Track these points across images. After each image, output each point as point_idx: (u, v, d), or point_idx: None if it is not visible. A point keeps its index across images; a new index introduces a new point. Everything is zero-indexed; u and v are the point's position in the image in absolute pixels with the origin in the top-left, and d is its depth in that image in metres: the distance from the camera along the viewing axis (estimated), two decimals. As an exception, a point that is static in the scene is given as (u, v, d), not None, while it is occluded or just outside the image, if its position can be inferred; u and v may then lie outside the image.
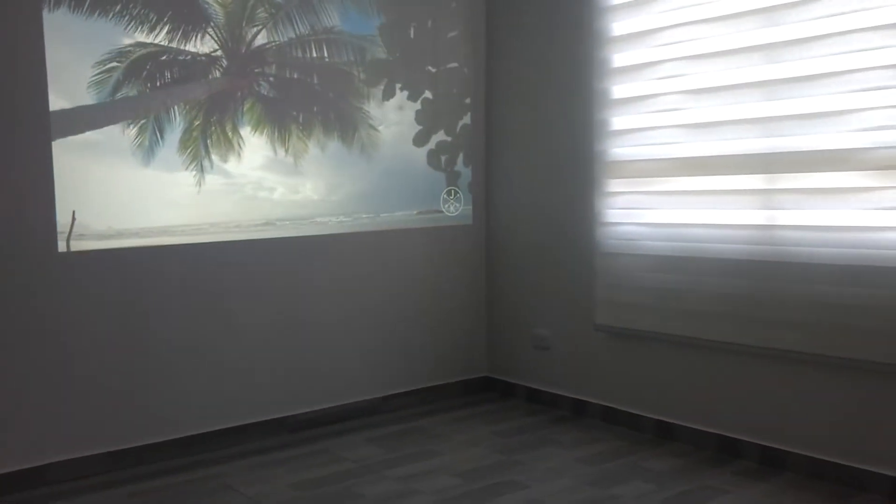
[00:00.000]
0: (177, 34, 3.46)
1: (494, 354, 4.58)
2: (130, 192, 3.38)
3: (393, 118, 4.17)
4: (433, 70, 4.30)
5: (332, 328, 4.01)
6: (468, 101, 4.44)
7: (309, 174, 3.90)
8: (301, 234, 3.89)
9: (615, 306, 3.86)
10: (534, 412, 4.17)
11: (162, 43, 3.43)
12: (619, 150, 3.79)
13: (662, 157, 3.60)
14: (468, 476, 3.28)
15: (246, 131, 3.69)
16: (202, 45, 3.54)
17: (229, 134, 3.65)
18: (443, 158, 4.37)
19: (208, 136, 3.58)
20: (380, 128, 4.12)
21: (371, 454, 3.56)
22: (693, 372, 3.59)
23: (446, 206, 4.41)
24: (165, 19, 3.44)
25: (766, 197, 3.26)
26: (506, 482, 3.21)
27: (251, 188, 3.73)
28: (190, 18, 3.50)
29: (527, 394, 4.38)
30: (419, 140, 4.28)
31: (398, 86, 4.17)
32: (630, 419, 3.86)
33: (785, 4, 3.15)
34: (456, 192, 4.44)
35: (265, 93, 3.76)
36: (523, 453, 3.55)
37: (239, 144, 3.67)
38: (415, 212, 4.29)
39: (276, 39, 3.77)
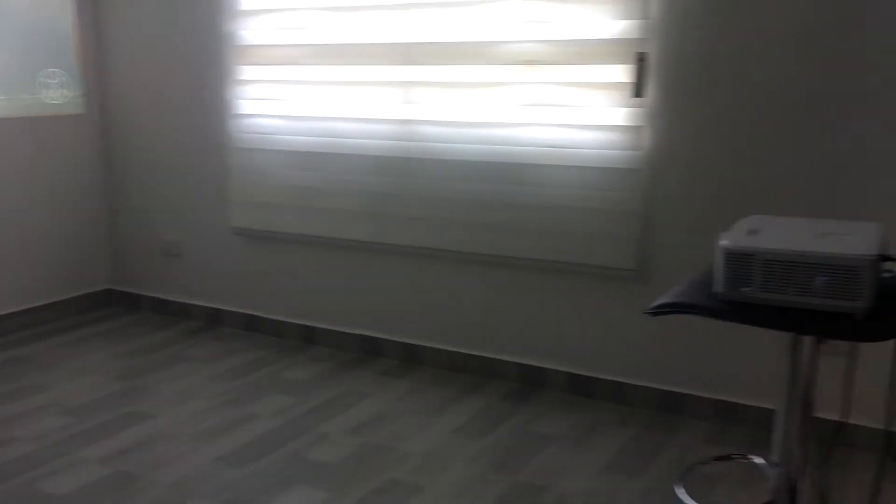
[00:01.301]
0: None
1: (118, 264, 4.03)
2: None
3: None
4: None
5: None
6: (68, -38, 3.68)
7: None
8: None
9: (253, 207, 3.53)
10: (164, 326, 3.75)
11: None
12: (250, 33, 3.38)
13: (299, 42, 3.28)
14: (80, 412, 2.81)
15: None
16: None
17: None
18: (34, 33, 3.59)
19: None
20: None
21: (-46, 396, 2.91)
22: (335, 273, 3.44)
23: (47, 91, 3.66)
24: None
25: (405, 90, 3.11)
26: (126, 414, 2.81)
27: None
28: None
29: (155, 305, 3.93)
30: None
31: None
32: (273, 326, 3.63)
33: None
34: (61, 75, 3.71)
35: None
36: (149, 376, 3.15)
37: None
38: (2, 97, 3.50)
39: None
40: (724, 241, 1.50)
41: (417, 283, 3.26)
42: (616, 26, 2.70)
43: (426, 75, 3.05)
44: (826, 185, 2.49)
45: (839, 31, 2.41)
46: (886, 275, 1.54)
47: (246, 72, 3.43)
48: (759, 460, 1.92)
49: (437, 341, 3.26)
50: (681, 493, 1.79)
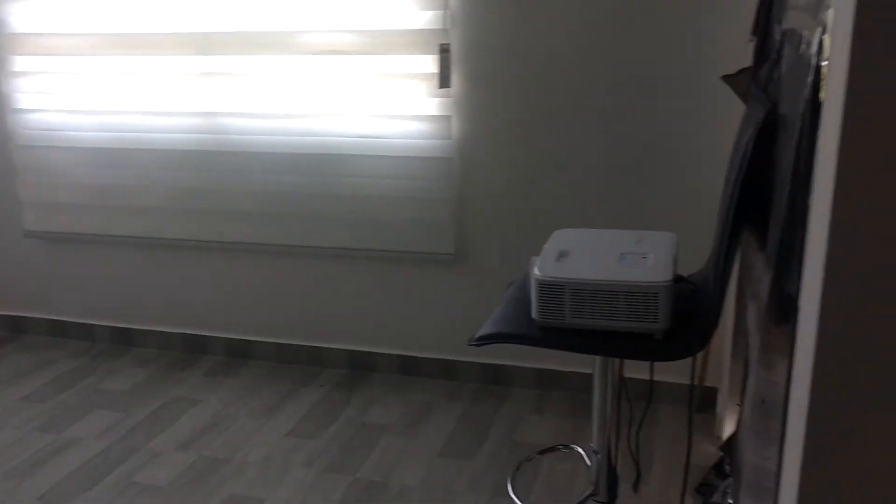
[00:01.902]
0: None
1: None
2: None
3: None
4: None
5: None
6: None
7: None
8: None
9: (48, 208, 3.27)
10: (-40, 343, 3.44)
11: None
12: (22, 20, 3.07)
13: (82, 31, 3.02)
14: None
15: None
16: None
17: None
18: None
19: None
20: None
21: None
22: (150, 273, 3.28)
23: None
24: None
25: (206, 81, 2.96)
26: (-71, 457, 2.59)
27: None
28: None
29: (-53, 320, 3.59)
30: None
31: None
32: (83, 330, 3.43)
33: None
34: None
35: None
36: (-50, 407, 2.90)
37: None
38: None
39: None
40: (537, 272, 1.58)
41: (239, 279, 3.18)
42: (421, 17, 2.69)
43: (228, 66, 2.92)
44: (628, 166, 2.66)
45: (637, 18, 2.55)
46: (684, 285, 1.69)
47: (22, 62, 3.12)
48: (580, 450, 2.08)
49: (265, 335, 3.22)
50: (511, 494, 1.92)
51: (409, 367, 3.07)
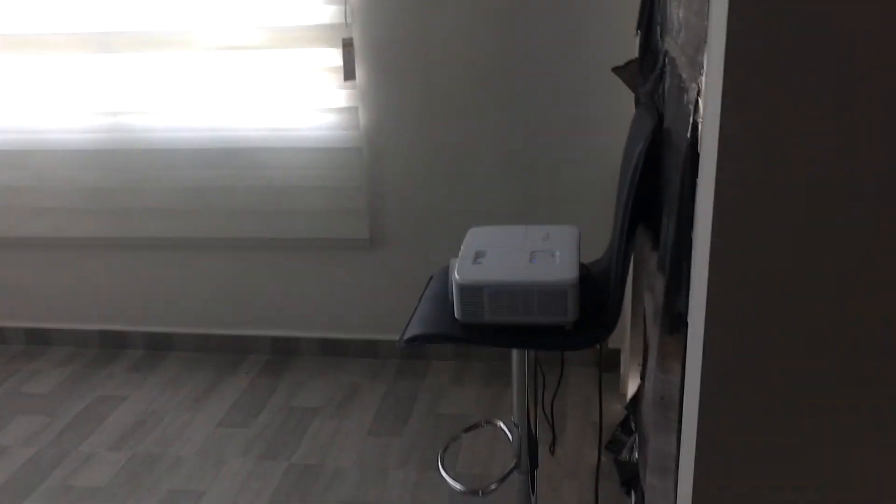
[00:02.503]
0: None
1: None
2: None
3: None
4: None
5: None
6: None
7: None
8: None
9: (-54, 214, 3.19)
10: None
11: None
12: None
13: (-31, 30, 2.92)
14: None
15: None
16: None
17: None
18: None
19: None
20: None
21: None
22: (63, 272, 3.26)
23: None
24: None
25: (108, 80, 2.93)
26: None
27: None
28: None
29: None
30: None
31: None
32: (-5, 334, 3.39)
33: None
34: None
35: None
36: None
37: None
38: None
39: None
40: (457, 276, 1.72)
41: (154, 273, 3.20)
42: (324, 12, 2.75)
43: (130, 64, 2.90)
44: (527, 156, 2.82)
45: (532, 12, 2.67)
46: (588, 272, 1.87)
47: None
48: (502, 425, 2.26)
49: (185, 326, 3.27)
50: (442, 471, 2.08)
51: (333, 349, 3.19)
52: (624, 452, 2.43)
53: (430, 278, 2.08)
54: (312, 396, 2.94)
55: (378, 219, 2.99)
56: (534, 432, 2.05)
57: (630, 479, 2.31)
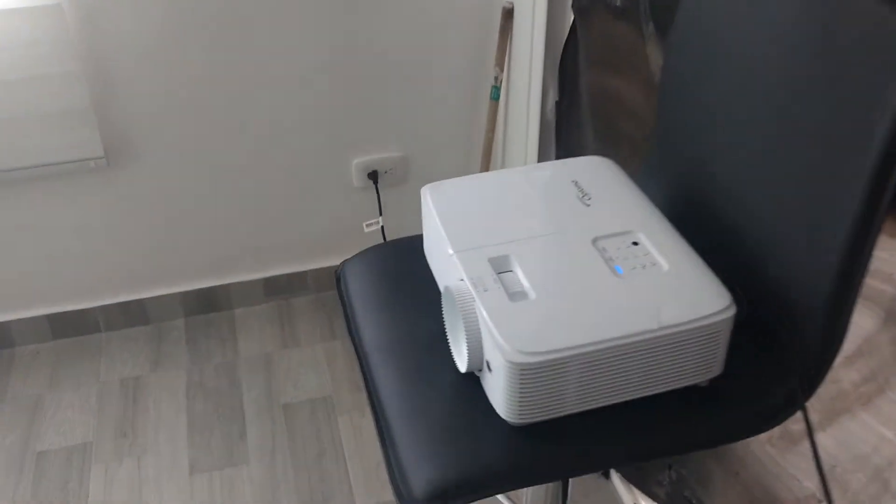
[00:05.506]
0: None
1: None
2: None
3: None
4: None
5: None
6: None
7: None
8: None
9: None
10: None
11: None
12: None
13: None
14: None
15: None
16: None
17: None
18: None
19: None
20: None
21: None
22: None
23: None
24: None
25: None
26: None
27: None
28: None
29: None
30: None
31: None
32: None
33: None
34: None
35: None
36: None
37: None
38: None
39: None
40: (503, 344, 0.80)
41: None
42: None
43: None
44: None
45: None
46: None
47: None
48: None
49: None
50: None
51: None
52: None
53: (340, 282, 1.09)
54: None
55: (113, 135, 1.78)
56: None
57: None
